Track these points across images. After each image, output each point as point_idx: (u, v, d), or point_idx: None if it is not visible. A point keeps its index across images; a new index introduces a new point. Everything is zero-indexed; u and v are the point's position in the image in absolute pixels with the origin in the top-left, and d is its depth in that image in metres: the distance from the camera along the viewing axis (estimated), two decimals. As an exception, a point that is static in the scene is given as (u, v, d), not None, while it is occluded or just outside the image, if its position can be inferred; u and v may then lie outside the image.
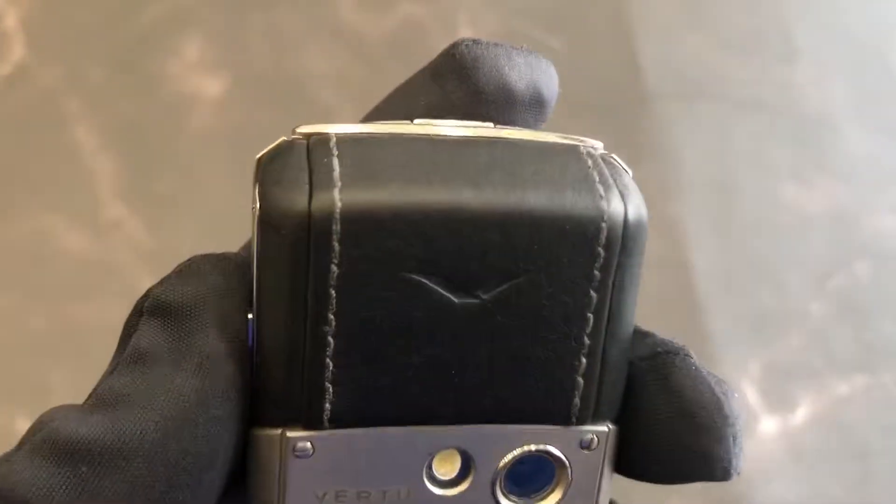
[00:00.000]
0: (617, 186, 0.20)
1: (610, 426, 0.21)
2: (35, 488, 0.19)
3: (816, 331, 0.64)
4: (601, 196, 0.19)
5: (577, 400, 0.20)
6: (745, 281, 0.65)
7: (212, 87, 0.69)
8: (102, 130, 0.67)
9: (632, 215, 0.20)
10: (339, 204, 0.18)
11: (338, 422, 0.19)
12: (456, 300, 0.19)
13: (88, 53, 0.69)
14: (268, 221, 0.19)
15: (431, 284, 0.19)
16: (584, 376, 0.20)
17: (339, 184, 0.18)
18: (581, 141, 0.21)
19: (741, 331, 0.63)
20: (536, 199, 0.19)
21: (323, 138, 0.19)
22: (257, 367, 0.20)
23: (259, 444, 0.20)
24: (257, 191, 0.19)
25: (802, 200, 0.70)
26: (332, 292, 0.19)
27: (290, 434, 0.19)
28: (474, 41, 0.24)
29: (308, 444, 0.19)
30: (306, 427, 0.19)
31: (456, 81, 0.24)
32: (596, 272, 0.20)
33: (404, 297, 0.19)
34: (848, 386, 0.62)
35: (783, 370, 0.62)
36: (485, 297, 0.19)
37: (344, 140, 0.19)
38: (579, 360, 0.20)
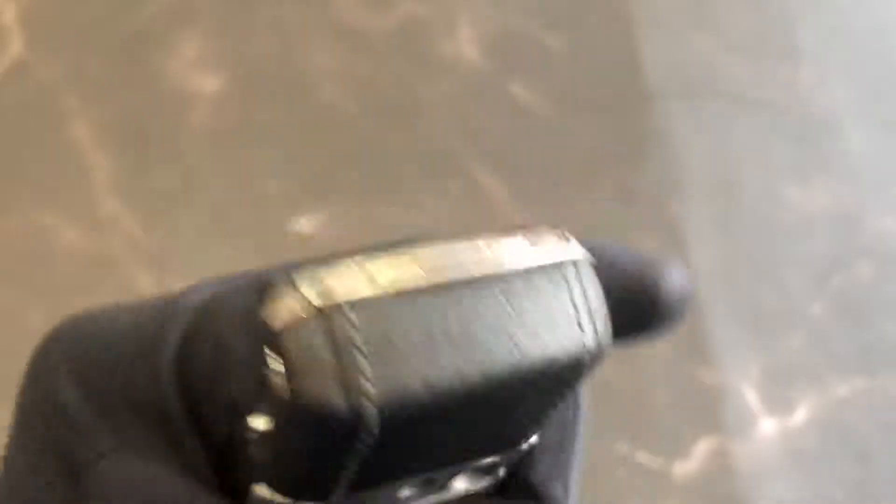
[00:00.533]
0: (592, 316, 0.21)
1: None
2: None
3: (817, 331, 0.64)
4: (582, 331, 0.21)
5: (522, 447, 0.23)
6: (746, 281, 0.65)
7: (211, 83, 0.69)
8: (101, 126, 0.67)
9: (603, 345, 0.21)
10: (371, 406, 0.19)
11: None
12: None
13: (87, 49, 0.69)
14: (299, 410, 0.19)
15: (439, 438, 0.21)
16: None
17: (369, 379, 0.19)
18: (559, 252, 0.22)
19: (741, 331, 0.63)
20: (533, 358, 0.21)
21: (339, 312, 0.20)
22: None
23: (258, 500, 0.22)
24: (283, 371, 0.19)
25: (804, 200, 0.70)
26: (352, 468, 0.20)
27: None
28: None
29: None
30: None
31: None
32: (557, 398, 0.22)
33: (415, 448, 0.21)
34: (848, 387, 0.61)
35: (783, 371, 0.62)
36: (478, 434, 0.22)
37: (359, 309, 0.20)
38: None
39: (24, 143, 0.66)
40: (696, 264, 0.66)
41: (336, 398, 0.19)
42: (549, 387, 0.22)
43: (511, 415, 0.22)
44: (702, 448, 0.58)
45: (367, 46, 0.72)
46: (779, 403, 0.61)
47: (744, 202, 0.70)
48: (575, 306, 0.21)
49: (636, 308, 0.24)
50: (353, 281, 0.20)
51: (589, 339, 0.21)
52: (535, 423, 0.23)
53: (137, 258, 0.64)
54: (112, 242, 0.64)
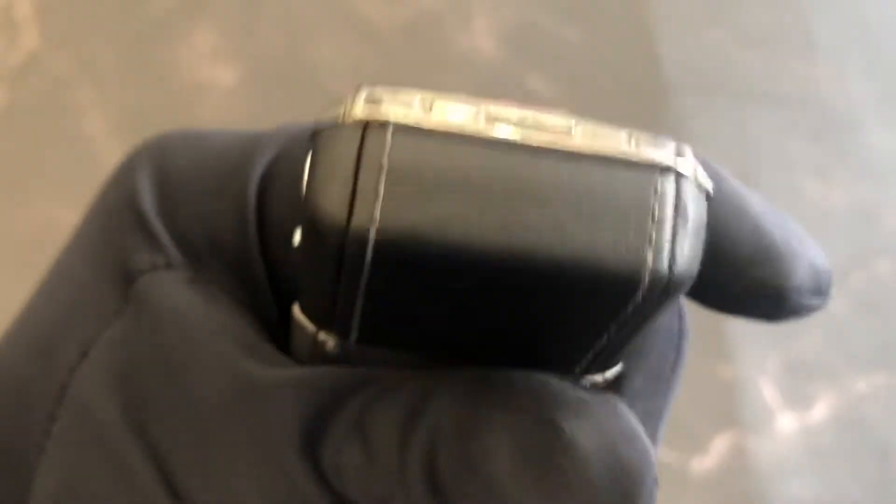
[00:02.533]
0: (675, 237, 0.18)
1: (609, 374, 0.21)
2: None
3: (836, 328, 0.63)
4: (651, 246, 0.18)
5: (579, 369, 0.21)
6: (764, 277, 0.65)
7: (224, 76, 0.68)
8: (114, 119, 0.67)
9: (676, 276, 0.18)
10: (374, 233, 0.18)
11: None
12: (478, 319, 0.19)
13: (100, 42, 0.69)
14: (310, 222, 0.19)
15: (453, 303, 0.19)
16: (586, 370, 0.21)
17: (381, 204, 0.18)
18: (662, 157, 0.19)
19: (760, 328, 0.63)
20: (574, 250, 0.18)
21: (379, 130, 0.18)
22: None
23: (296, 324, 0.21)
24: (306, 175, 0.19)
25: (822, 196, 0.69)
26: (360, 299, 0.19)
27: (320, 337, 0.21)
28: None
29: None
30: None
31: None
32: (612, 325, 0.19)
33: (428, 305, 0.19)
34: (867, 383, 0.61)
35: (802, 368, 0.61)
36: (504, 319, 0.20)
37: (400, 133, 0.18)
38: (580, 367, 0.21)
39: (38, 136, 0.66)
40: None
41: (338, 212, 0.18)
42: (593, 302, 0.19)
43: (545, 324, 0.20)
44: (719, 444, 0.58)
45: (380, 39, 0.71)
46: (797, 400, 0.60)
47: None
48: (655, 219, 0.18)
49: (750, 287, 0.21)
50: (410, 109, 0.18)
51: (658, 260, 0.18)
52: (580, 349, 0.20)
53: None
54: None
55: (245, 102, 0.68)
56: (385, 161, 0.18)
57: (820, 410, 0.60)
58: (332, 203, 0.17)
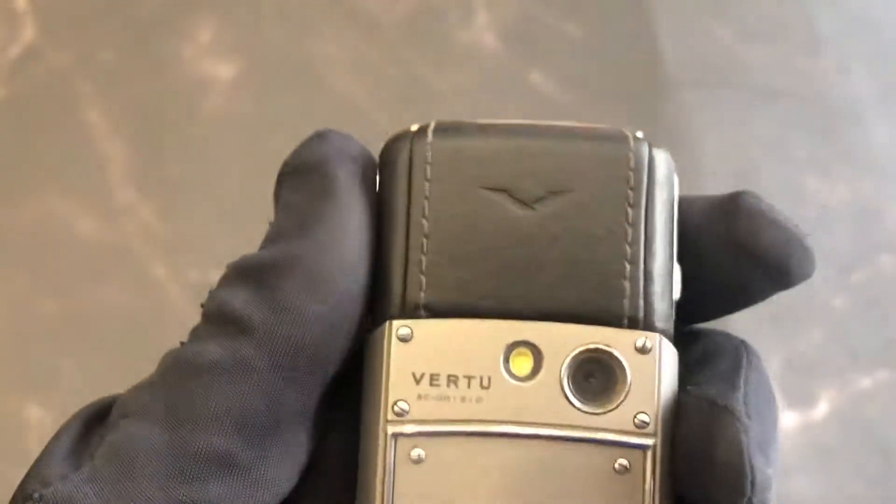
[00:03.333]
0: (646, 139, 0.26)
1: (663, 338, 0.25)
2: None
3: (838, 325, 0.63)
4: (628, 135, 0.26)
5: (626, 304, 0.25)
6: (766, 273, 0.65)
7: (225, 70, 0.68)
8: (114, 113, 0.66)
9: (656, 151, 0.26)
10: (430, 140, 0.26)
11: (431, 312, 0.26)
12: (520, 212, 0.25)
13: (100, 35, 0.69)
14: (383, 158, 0.26)
15: (500, 199, 0.26)
16: (629, 280, 0.25)
17: (431, 136, 0.26)
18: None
19: (762, 325, 0.62)
20: (574, 138, 0.26)
21: (424, 133, 0.26)
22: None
23: (372, 340, 0.26)
24: (381, 153, 0.27)
25: (825, 192, 0.69)
26: (426, 202, 0.26)
27: (395, 322, 0.25)
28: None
29: (409, 330, 0.25)
30: (407, 317, 0.25)
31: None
32: (629, 191, 0.25)
33: (481, 209, 0.26)
34: (870, 381, 0.61)
35: (805, 365, 0.61)
36: (541, 209, 0.25)
37: (440, 131, 0.26)
38: (623, 266, 0.25)
39: (38, 129, 0.66)
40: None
41: (403, 143, 0.26)
42: (601, 176, 0.26)
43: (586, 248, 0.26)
44: (722, 442, 0.58)
45: (381, 33, 0.71)
46: (800, 397, 0.60)
47: (763, 193, 0.69)
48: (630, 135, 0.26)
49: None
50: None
51: (636, 141, 0.26)
52: (617, 281, 0.25)
53: (151, 245, 0.63)
54: (126, 230, 0.63)
55: (245, 96, 0.68)
56: (429, 132, 0.26)
57: (823, 407, 0.60)
58: (398, 142, 0.26)
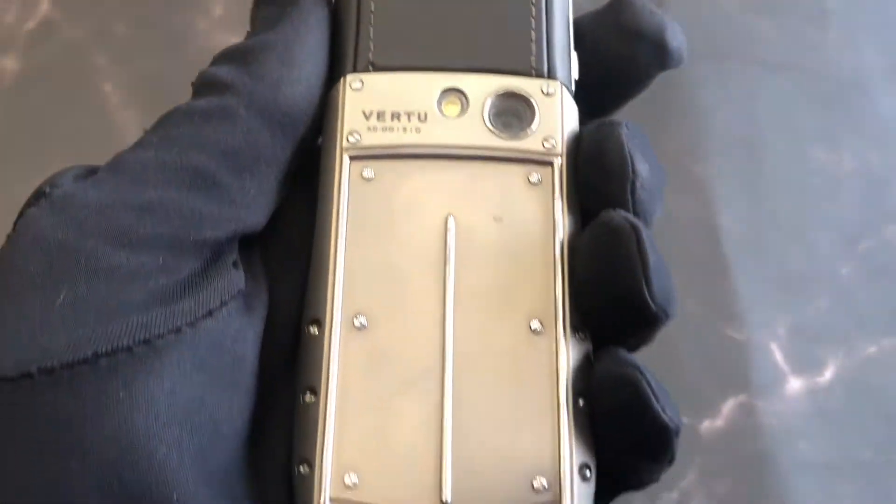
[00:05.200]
0: None
1: (564, 86, 0.33)
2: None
3: (845, 294, 0.64)
4: None
5: (533, 59, 0.33)
6: (774, 242, 0.65)
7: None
8: (128, 85, 0.67)
9: None
10: None
11: (378, 68, 0.32)
12: None
13: (115, 8, 0.69)
14: None
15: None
16: (535, 42, 0.33)
17: None
18: None
19: (769, 292, 0.63)
20: None
21: None
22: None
23: (330, 96, 0.32)
24: None
25: (832, 163, 0.70)
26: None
27: (349, 76, 0.32)
28: None
29: (360, 83, 0.32)
30: (359, 72, 0.32)
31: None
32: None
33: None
34: (877, 348, 0.61)
35: (811, 331, 0.62)
36: None
37: None
38: (530, 31, 0.33)
39: (52, 102, 0.67)
40: (723, 224, 0.66)
41: None
42: None
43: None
44: (729, 406, 0.58)
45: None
46: (807, 363, 0.60)
47: (771, 164, 0.69)
48: None
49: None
50: None
51: None
52: (526, 42, 0.33)
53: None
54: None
55: (258, 69, 0.68)
56: None
57: (829, 373, 0.60)
58: None
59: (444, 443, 0.27)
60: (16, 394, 0.24)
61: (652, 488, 0.57)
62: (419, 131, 0.31)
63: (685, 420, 0.58)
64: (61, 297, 0.26)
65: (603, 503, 0.30)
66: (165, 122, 0.31)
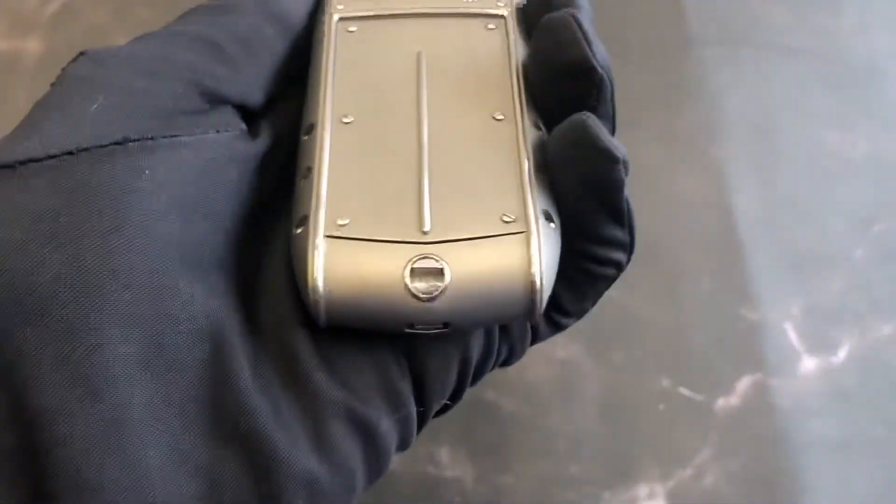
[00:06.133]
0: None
1: None
2: None
3: (859, 275, 0.64)
4: None
5: None
6: (787, 224, 0.66)
7: (256, 26, 0.69)
8: (149, 67, 0.67)
9: None
10: None
11: None
12: None
13: (135, -9, 0.70)
14: None
15: None
16: None
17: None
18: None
19: (783, 273, 0.63)
20: None
21: None
22: None
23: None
24: None
25: (845, 147, 0.70)
26: None
27: None
28: None
29: None
30: None
31: None
32: None
33: None
34: (890, 328, 0.62)
35: (825, 311, 0.62)
36: None
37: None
38: None
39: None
40: (738, 206, 0.66)
41: None
42: None
43: None
44: (744, 385, 0.59)
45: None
46: (821, 342, 0.61)
47: (785, 147, 0.70)
48: None
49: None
50: None
51: None
52: None
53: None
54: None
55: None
56: None
57: (843, 353, 0.61)
58: None
59: (423, 187, 0.31)
60: (58, 169, 0.29)
61: (666, 464, 0.58)
62: (395, 3, 0.38)
63: (700, 397, 0.58)
64: (98, 103, 0.32)
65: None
66: (187, 13, 0.36)
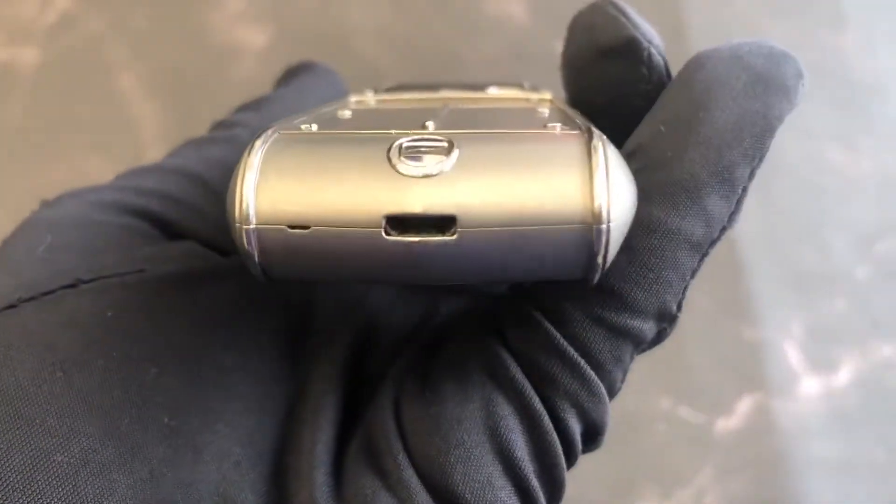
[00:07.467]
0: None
1: None
2: None
3: (861, 295, 0.63)
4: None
5: None
6: (789, 243, 0.65)
7: (256, 38, 0.69)
8: (147, 78, 0.67)
9: None
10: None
11: None
12: None
13: (133, 1, 0.69)
14: None
15: None
16: None
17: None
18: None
19: (785, 292, 0.63)
20: None
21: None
22: None
23: None
24: None
25: (848, 165, 0.70)
26: None
27: None
28: None
29: None
30: None
31: None
32: None
33: None
34: (892, 349, 0.61)
35: (826, 332, 0.61)
36: None
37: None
38: None
39: (72, 93, 0.67)
40: (738, 223, 0.65)
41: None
42: None
43: None
44: (744, 405, 0.58)
45: (410, 3, 0.71)
46: (822, 363, 0.60)
47: (786, 165, 0.69)
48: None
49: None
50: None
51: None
52: None
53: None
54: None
55: (275, 64, 0.68)
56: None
57: (844, 374, 0.60)
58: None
59: (434, 109, 0.28)
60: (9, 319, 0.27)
61: (666, 484, 0.57)
62: None
63: (701, 418, 0.58)
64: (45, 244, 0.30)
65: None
66: (177, 147, 0.35)
